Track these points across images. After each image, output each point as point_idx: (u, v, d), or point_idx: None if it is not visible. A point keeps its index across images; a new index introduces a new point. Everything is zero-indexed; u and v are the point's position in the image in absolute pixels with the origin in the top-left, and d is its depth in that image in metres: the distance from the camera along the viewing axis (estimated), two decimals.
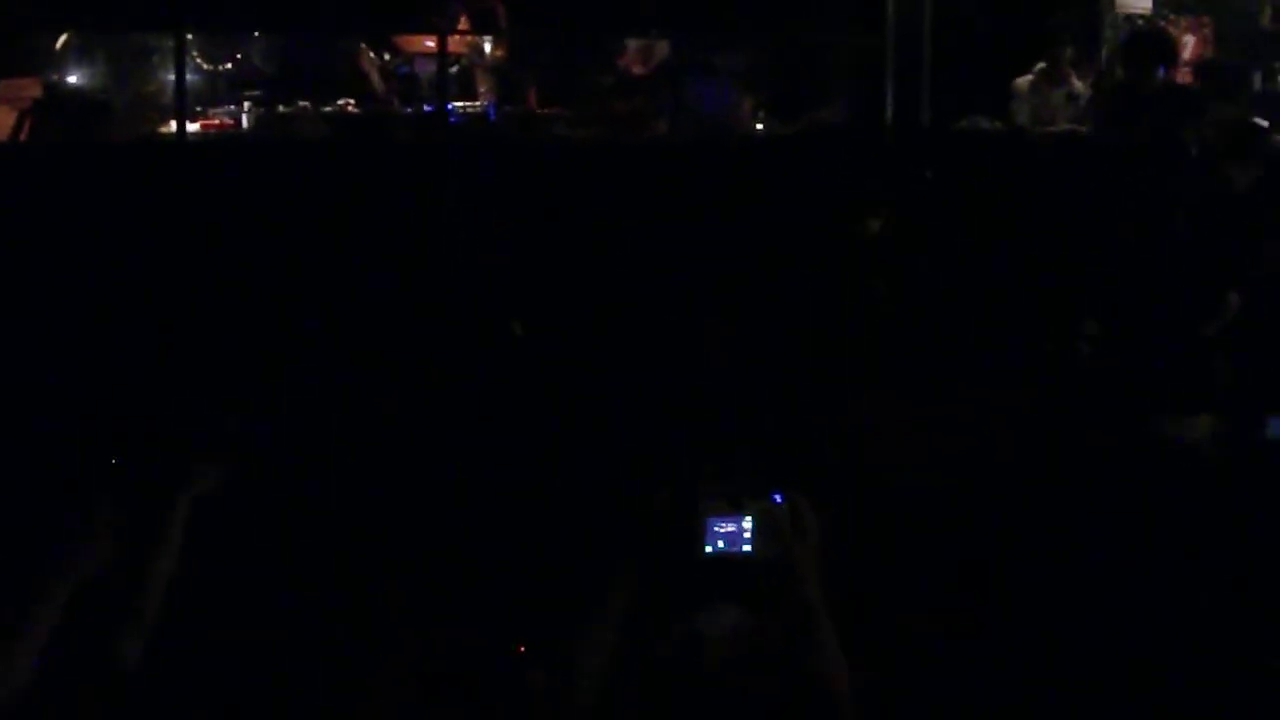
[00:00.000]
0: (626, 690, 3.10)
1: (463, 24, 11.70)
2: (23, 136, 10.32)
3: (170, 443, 4.17)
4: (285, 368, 7.97)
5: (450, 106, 11.13)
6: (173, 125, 10.64)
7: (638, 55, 12.03)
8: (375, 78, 11.62)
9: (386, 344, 8.22)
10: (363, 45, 11.65)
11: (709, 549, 3.14)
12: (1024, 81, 11.65)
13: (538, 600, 4.67)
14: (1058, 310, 8.61)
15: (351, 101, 11.36)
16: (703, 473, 3.41)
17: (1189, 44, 11.19)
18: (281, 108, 11.46)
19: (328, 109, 11.30)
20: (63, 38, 11.27)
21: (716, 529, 3.14)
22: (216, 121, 11.25)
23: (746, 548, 3.13)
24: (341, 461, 6.71)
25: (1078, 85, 11.53)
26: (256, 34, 11.84)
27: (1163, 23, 11.22)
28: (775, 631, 3.11)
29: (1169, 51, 10.27)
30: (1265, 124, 9.82)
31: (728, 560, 3.14)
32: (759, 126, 11.84)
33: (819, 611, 3.16)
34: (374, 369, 7.86)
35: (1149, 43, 10.29)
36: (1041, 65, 11.62)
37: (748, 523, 3.15)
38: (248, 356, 8.20)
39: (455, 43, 11.47)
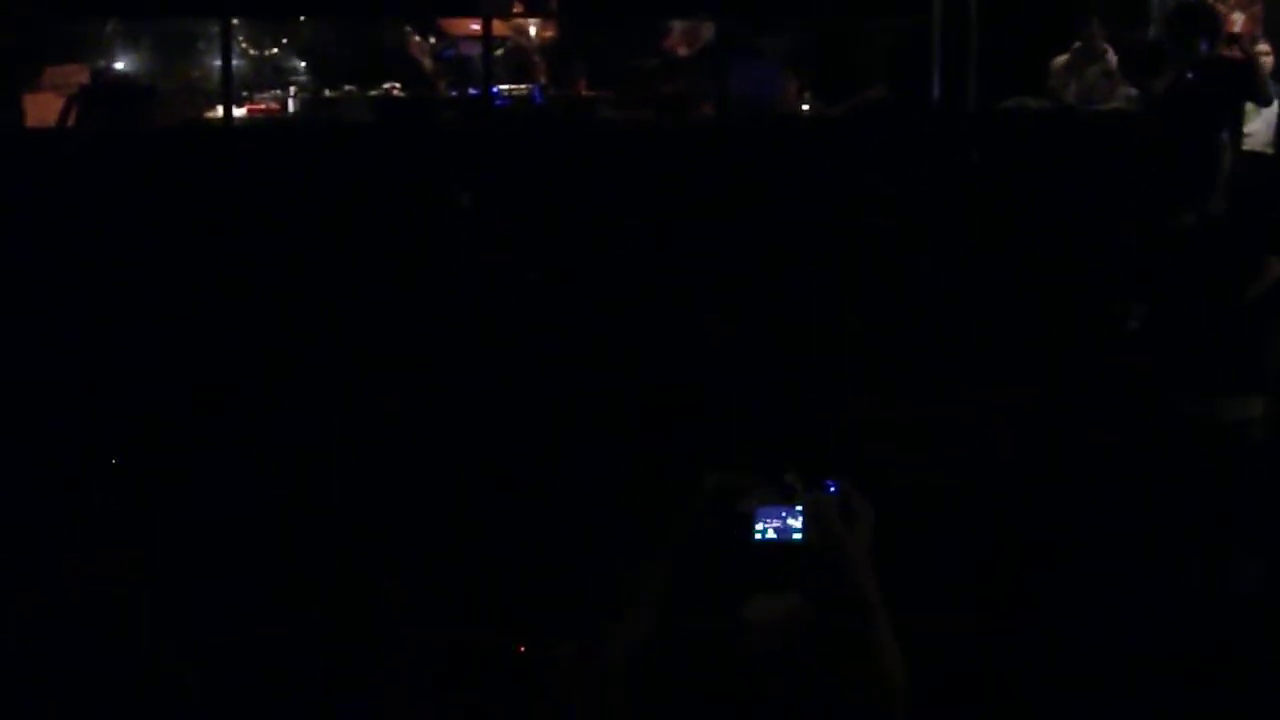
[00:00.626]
0: (662, 673, 3.07)
1: (514, 7, 11.68)
2: (70, 122, 10.34)
3: None
4: (323, 351, 8.01)
5: (495, 89, 11.11)
6: (219, 110, 10.66)
7: (683, 37, 12.00)
8: (424, 61, 11.62)
9: (429, 327, 8.24)
10: (408, 29, 11.65)
11: (758, 537, 3.08)
12: (1061, 60, 11.62)
13: (578, 581, 4.67)
14: (1103, 290, 8.57)
15: (397, 85, 11.35)
16: (753, 460, 3.35)
17: (1238, 21, 11.09)
18: (327, 92, 11.47)
19: (373, 93, 11.30)
20: (109, 24, 11.31)
21: (766, 517, 3.09)
22: (262, 106, 11.26)
23: (797, 536, 3.07)
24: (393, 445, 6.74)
25: (1114, 60, 11.47)
26: (302, 19, 11.86)
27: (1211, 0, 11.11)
28: (827, 623, 3.05)
29: (1212, 24, 10.23)
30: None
31: (777, 549, 3.09)
32: (805, 108, 11.80)
33: (874, 603, 3.07)
34: (413, 354, 7.88)
35: (1191, 15, 10.26)
36: (1077, 43, 11.58)
37: (798, 510, 3.09)
38: (289, 340, 8.23)
39: (500, 26, 11.45)
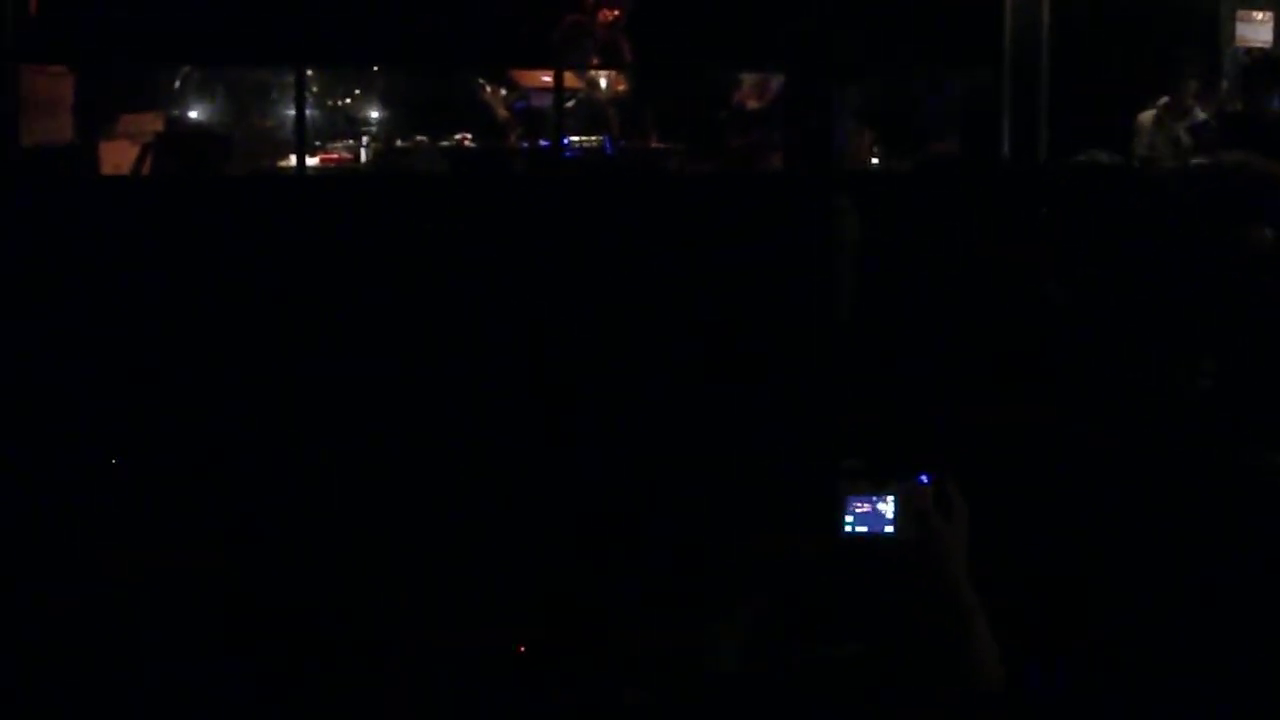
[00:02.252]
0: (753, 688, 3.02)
1: (588, 60, 11.73)
2: (144, 170, 10.42)
3: None
4: (397, 400, 8.03)
5: (566, 141, 11.15)
6: (292, 160, 10.73)
7: (753, 90, 12.03)
8: (500, 111, 11.67)
9: (501, 377, 8.26)
10: (480, 80, 11.70)
11: (848, 529, 2.96)
12: (1147, 116, 11.56)
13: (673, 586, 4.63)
14: (1177, 346, 8.51)
15: (468, 136, 11.40)
16: (844, 450, 3.22)
17: None
18: (399, 142, 11.53)
19: (445, 143, 11.35)
20: (184, 73, 11.41)
21: (856, 508, 2.96)
22: (335, 156, 11.33)
23: (888, 529, 2.94)
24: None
25: (1201, 117, 11.42)
26: (375, 69, 11.93)
27: None
28: (920, 624, 2.93)
29: None
30: None
31: (868, 541, 2.96)
32: (874, 160, 11.80)
33: (969, 598, 2.94)
34: (486, 402, 7.89)
35: (1265, 71, 10.21)
36: (1164, 99, 11.52)
37: (890, 502, 2.96)
38: (360, 387, 8.26)
39: (572, 78, 11.50)
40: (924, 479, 2.96)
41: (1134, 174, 11.14)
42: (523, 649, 5.05)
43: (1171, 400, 7.80)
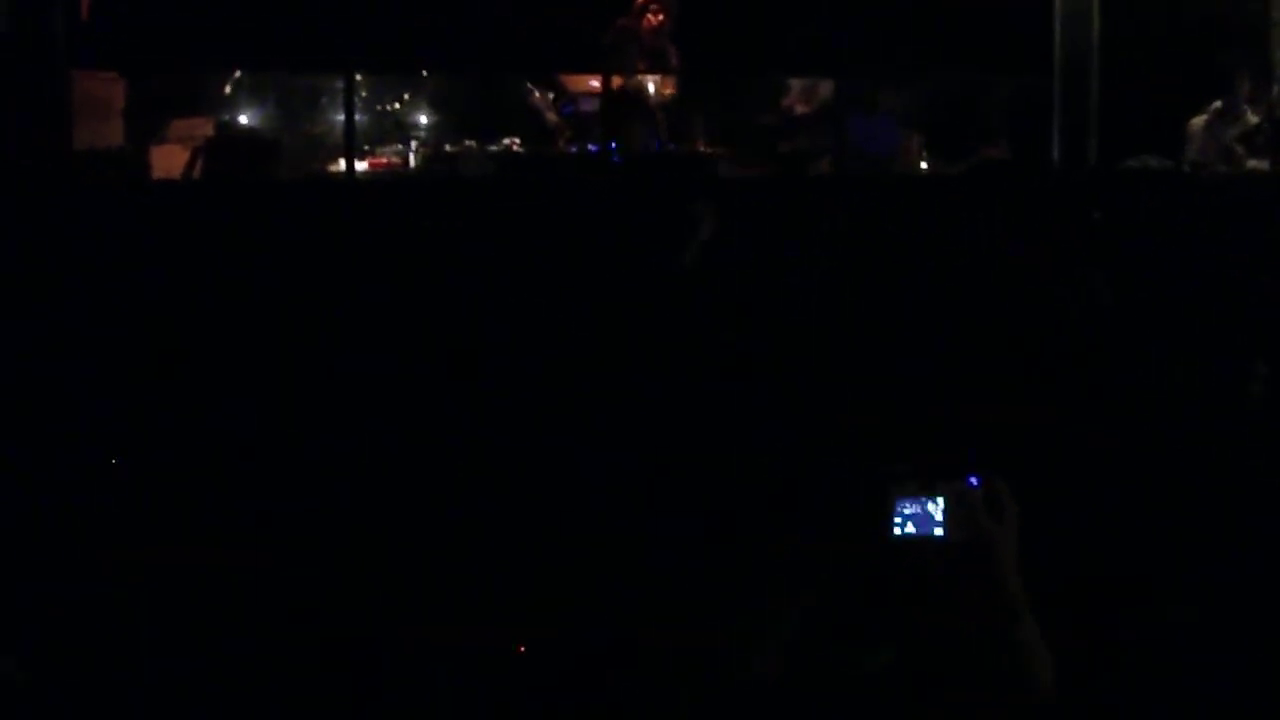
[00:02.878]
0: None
1: (636, 64, 11.72)
2: (195, 174, 10.47)
3: None
4: (441, 400, 8.03)
5: (614, 145, 11.15)
6: (341, 164, 10.77)
7: (801, 95, 12.02)
8: (550, 116, 11.68)
9: (552, 378, 8.25)
10: (529, 85, 11.72)
11: (897, 531, 2.93)
12: (1198, 121, 11.51)
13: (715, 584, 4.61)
14: (1228, 350, 8.47)
15: (517, 140, 11.42)
16: (893, 451, 3.18)
17: None
18: (448, 147, 11.55)
19: (493, 148, 11.37)
20: (234, 78, 11.46)
21: (905, 510, 2.94)
22: (384, 161, 11.36)
23: (938, 531, 2.91)
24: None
25: (1253, 122, 11.37)
26: (424, 74, 11.96)
27: None
28: (970, 627, 2.90)
29: None
30: None
31: (917, 544, 2.93)
32: (924, 165, 11.77)
33: (1020, 602, 2.91)
34: (535, 408, 7.89)
35: None
36: (1216, 104, 11.47)
37: (939, 504, 2.93)
38: (407, 389, 8.27)
39: (621, 82, 11.50)
40: (974, 481, 2.94)
41: (1185, 179, 11.13)
42: (522, 649, 5.05)
43: (1224, 404, 7.78)
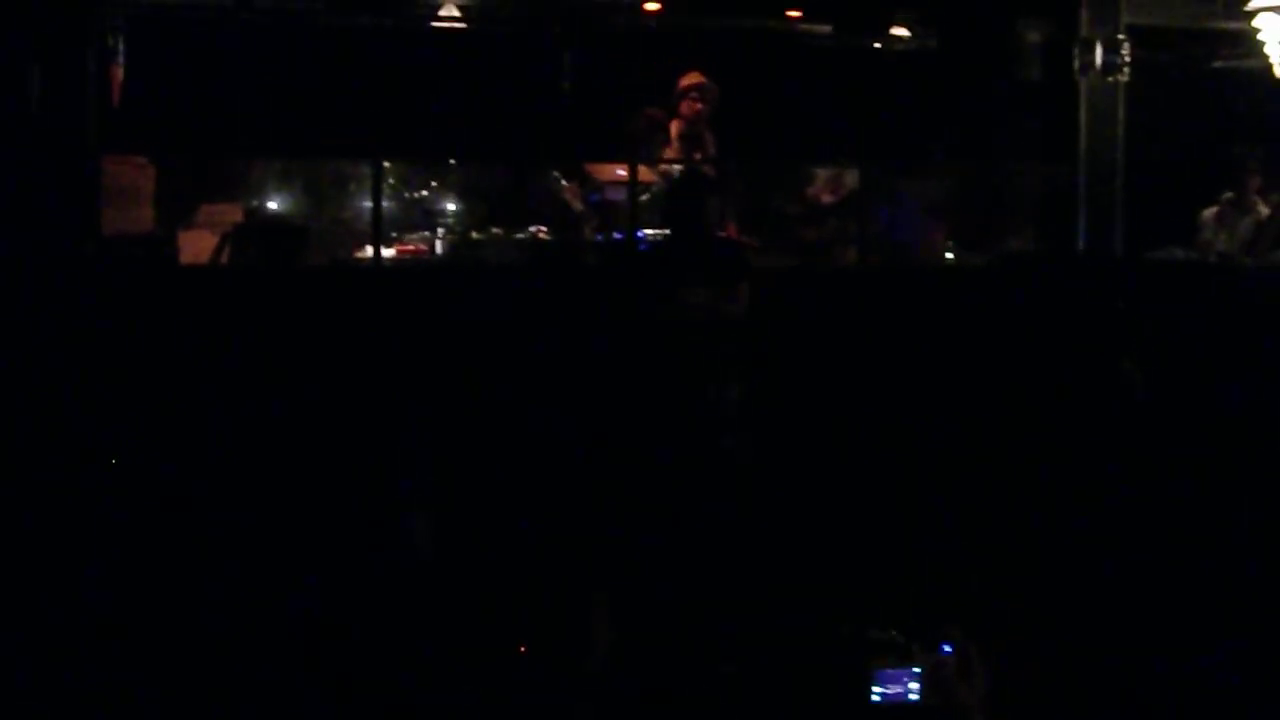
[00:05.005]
0: None
1: (670, 152, 11.76)
2: (223, 260, 10.52)
3: None
4: (474, 489, 8.05)
5: (641, 233, 11.19)
6: (368, 251, 10.81)
7: (827, 184, 12.06)
8: (577, 205, 11.72)
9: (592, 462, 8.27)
10: (555, 174, 11.77)
11: (876, 698, 3.16)
12: (1210, 212, 11.60)
13: None
14: (1262, 435, 8.48)
15: (543, 228, 11.46)
16: (871, 618, 3.39)
17: None
18: (474, 234, 11.59)
19: (519, 235, 11.41)
20: (263, 165, 11.52)
21: (885, 681, 3.16)
22: (411, 247, 11.40)
23: (914, 696, 3.14)
24: None
25: (1264, 212, 11.45)
26: (451, 162, 12.02)
27: None
28: None
29: None
30: None
31: (895, 709, 3.16)
32: (949, 256, 11.80)
33: None
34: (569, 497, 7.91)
35: None
36: (1229, 194, 11.56)
37: (916, 673, 3.16)
38: (436, 478, 8.29)
39: (646, 171, 11.55)
40: (947, 649, 3.15)
41: (1210, 269, 11.16)
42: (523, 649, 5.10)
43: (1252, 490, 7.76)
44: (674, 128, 11.59)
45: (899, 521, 7.89)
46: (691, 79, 11.59)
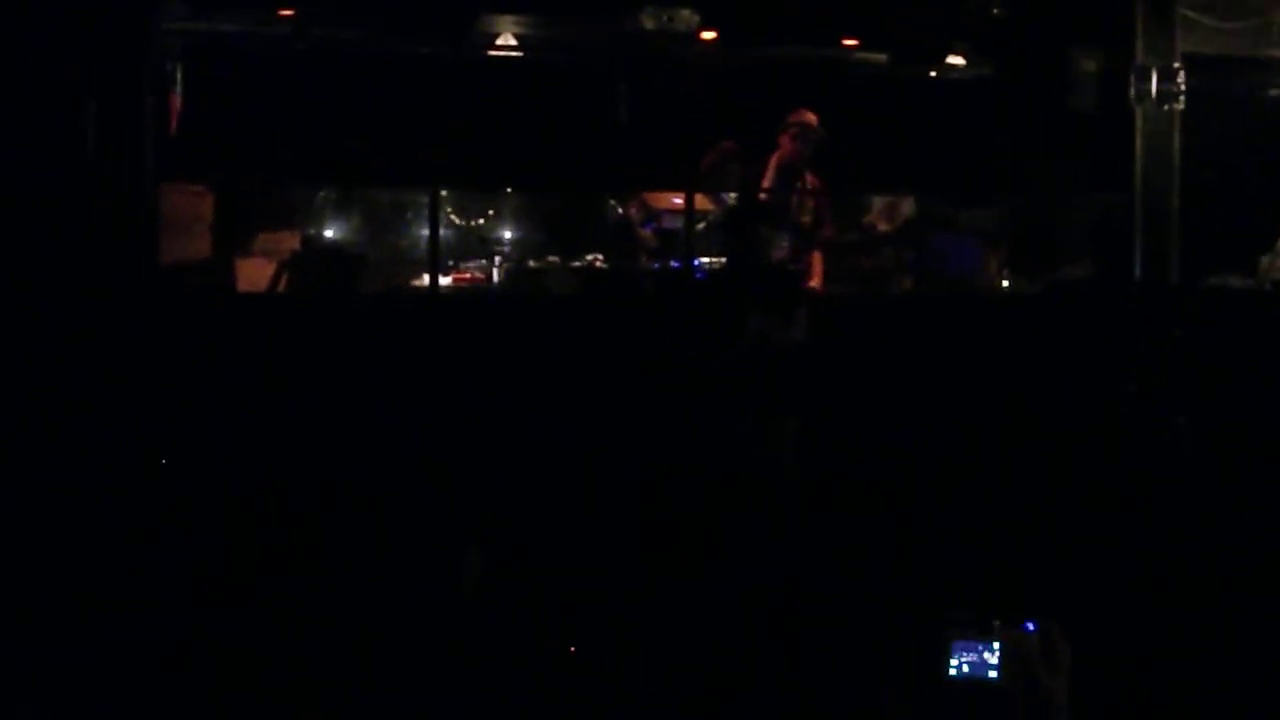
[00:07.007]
0: None
1: (764, 183, 11.76)
2: (281, 287, 10.57)
3: None
4: (530, 518, 8.05)
5: (697, 262, 11.20)
6: (425, 279, 10.85)
7: (883, 213, 12.05)
8: (641, 233, 11.73)
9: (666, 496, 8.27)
10: (613, 202, 11.80)
11: (953, 672, 3.01)
12: (1268, 260, 11.54)
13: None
14: None
15: (599, 257, 11.49)
16: (951, 594, 3.29)
17: None
18: (531, 263, 11.63)
19: (576, 264, 11.44)
20: (321, 193, 11.59)
21: (962, 653, 3.02)
22: (468, 276, 11.44)
23: (992, 674, 2.99)
24: None
25: None
26: (509, 190, 12.07)
27: None
28: None
29: None
30: None
31: (972, 686, 3.01)
32: (1004, 284, 11.78)
33: None
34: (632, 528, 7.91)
35: None
36: None
37: (995, 649, 3.01)
38: (494, 504, 8.29)
39: (703, 200, 11.56)
40: (1030, 626, 3.01)
41: (1267, 298, 11.10)
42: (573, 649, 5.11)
43: None
44: (773, 160, 11.56)
45: (960, 523, 7.86)
46: (798, 116, 11.55)
